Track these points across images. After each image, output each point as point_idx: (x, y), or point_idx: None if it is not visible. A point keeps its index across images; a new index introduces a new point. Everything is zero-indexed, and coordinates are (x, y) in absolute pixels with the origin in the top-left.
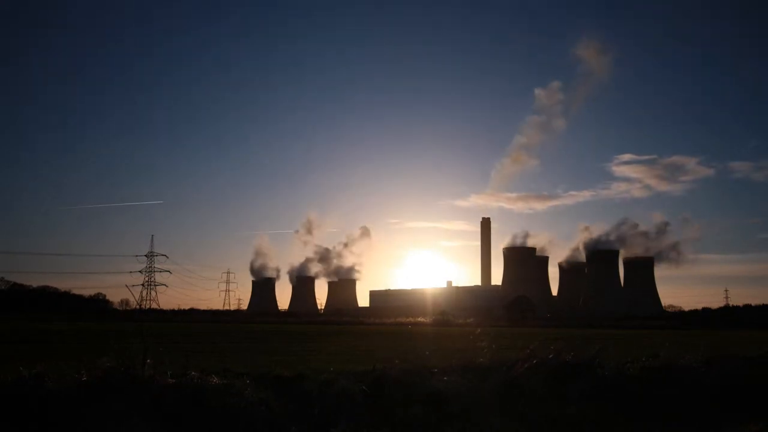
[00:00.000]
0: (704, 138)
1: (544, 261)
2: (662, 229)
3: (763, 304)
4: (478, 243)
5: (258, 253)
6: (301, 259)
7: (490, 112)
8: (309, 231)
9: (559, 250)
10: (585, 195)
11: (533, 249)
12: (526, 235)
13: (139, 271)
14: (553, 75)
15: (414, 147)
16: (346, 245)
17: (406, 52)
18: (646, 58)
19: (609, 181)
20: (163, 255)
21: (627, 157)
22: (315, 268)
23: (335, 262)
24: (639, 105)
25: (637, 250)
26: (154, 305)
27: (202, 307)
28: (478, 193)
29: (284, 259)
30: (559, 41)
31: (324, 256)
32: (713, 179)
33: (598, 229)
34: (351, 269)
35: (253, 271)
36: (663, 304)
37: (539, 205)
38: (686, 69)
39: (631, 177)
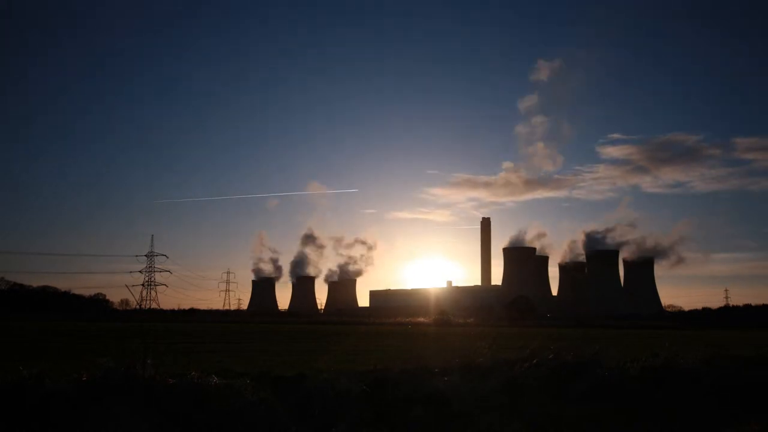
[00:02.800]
0: (706, 115)
1: (544, 261)
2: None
3: (763, 304)
4: (468, 235)
5: (258, 253)
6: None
7: (466, 98)
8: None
9: (555, 246)
10: (571, 180)
11: (533, 249)
12: (524, 228)
13: (139, 271)
14: (538, 57)
15: (389, 135)
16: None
17: (388, 39)
18: (639, 33)
19: (596, 164)
20: (163, 255)
21: (616, 136)
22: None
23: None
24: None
25: (634, 248)
26: (154, 305)
27: (202, 307)
28: (458, 180)
29: (284, 259)
30: (548, 27)
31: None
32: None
33: (595, 229)
34: (351, 268)
35: (253, 271)
36: (663, 304)
37: (524, 193)
38: (683, 46)
39: (620, 159)
